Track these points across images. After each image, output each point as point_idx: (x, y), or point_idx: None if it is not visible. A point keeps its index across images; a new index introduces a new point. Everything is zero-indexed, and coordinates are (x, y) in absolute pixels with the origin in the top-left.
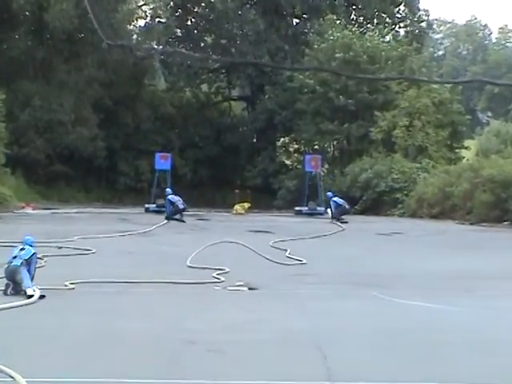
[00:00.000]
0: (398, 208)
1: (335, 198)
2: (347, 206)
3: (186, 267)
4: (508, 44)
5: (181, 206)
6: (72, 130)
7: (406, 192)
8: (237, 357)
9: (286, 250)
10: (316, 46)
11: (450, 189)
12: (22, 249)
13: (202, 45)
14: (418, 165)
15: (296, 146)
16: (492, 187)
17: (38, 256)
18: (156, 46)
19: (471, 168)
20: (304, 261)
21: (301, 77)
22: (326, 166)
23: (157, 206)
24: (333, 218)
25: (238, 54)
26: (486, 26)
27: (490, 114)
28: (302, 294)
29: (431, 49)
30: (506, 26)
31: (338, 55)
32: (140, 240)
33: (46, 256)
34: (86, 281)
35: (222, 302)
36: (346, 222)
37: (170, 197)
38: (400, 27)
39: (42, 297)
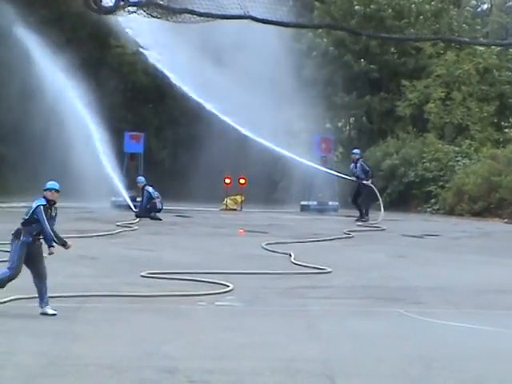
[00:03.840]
0: (430, 203)
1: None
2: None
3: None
4: None
5: (159, 206)
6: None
7: (441, 183)
8: None
9: (290, 255)
10: None
11: (498, 179)
12: None
13: None
14: (457, 148)
15: (302, 125)
16: None
17: None
18: None
19: None
20: (328, 269)
21: (310, 34)
22: (340, 149)
23: (131, 199)
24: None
25: (229, 7)
26: None
27: None
28: (310, 311)
29: (473, 1)
30: None
31: (357, 8)
32: (105, 242)
33: None
34: (25, 296)
35: (207, 321)
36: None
37: (150, 189)
38: None
39: None
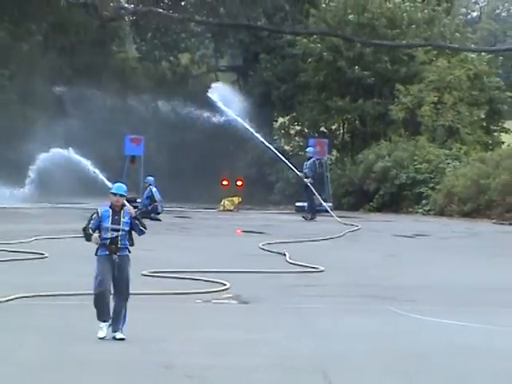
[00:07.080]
0: (421, 204)
1: None
2: None
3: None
4: None
5: (159, 209)
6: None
7: (431, 185)
8: None
9: (284, 255)
10: (324, 6)
11: (486, 181)
12: None
13: (183, 3)
14: (448, 151)
15: (298, 128)
16: None
17: None
18: (126, 5)
19: None
20: (321, 268)
21: (305, 40)
22: (334, 152)
23: (127, 201)
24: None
25: (227, 15)
26: None
27: None
28: (304, 309)
29: (463, 9)
30: None
31: (350, 17)
32: None
33: None
34: (34, 294)
35: (204, 318)
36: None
37: (154, 189)
38: None
39: None
